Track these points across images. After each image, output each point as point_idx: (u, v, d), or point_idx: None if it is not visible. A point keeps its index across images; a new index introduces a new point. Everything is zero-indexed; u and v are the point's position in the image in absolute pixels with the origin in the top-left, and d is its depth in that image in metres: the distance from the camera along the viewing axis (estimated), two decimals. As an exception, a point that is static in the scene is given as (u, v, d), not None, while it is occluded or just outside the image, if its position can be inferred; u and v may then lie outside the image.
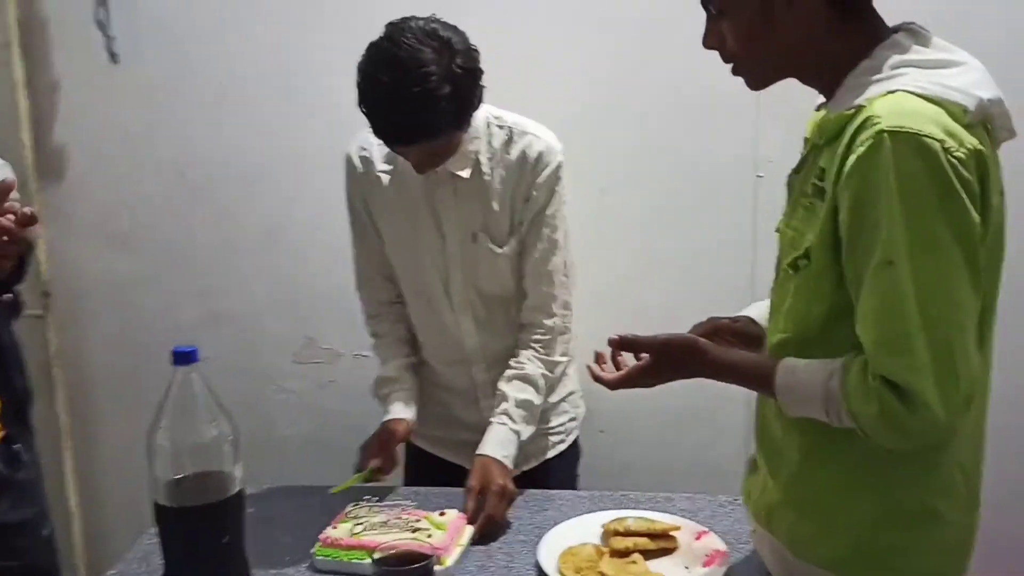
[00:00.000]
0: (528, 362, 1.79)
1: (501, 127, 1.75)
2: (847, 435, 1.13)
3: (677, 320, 2.20)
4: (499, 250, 1.77)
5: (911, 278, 1.04)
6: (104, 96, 2.29)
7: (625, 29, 2.14)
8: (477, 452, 1.70)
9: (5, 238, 1.28)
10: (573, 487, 1.99)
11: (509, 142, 1.75)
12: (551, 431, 1.95)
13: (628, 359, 1.32)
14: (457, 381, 1.89)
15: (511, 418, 1.74)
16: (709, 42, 1.23)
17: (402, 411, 1.80)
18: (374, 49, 1.57)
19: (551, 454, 1.96)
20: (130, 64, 2.26)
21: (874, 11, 1.18)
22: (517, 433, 1.73)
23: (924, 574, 1.18)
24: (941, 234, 1.04)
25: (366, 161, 1.79)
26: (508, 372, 1.79)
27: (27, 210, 1.30)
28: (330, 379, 2.42)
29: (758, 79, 1.23)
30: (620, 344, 1.29)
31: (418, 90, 1.51)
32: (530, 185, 1.75)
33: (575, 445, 2.02)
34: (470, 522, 1.58)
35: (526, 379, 1.77)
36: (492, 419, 1.75)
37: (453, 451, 1.93)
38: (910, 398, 1.05)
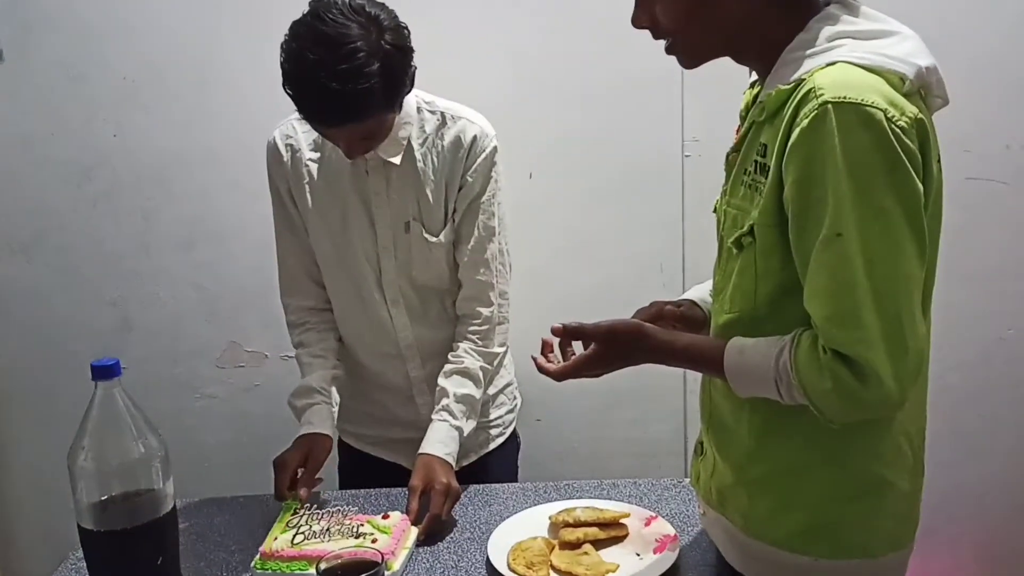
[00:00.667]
0: (466, 355, 1.75)
1: (433, 112, 1.70)
2: (798, 412, 1.12)
3: (610, 302, 2.19)
4: (433, 239, 1.72)
5: (859, 250, 1.03)
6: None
7: (551, 10, 2.12)
8: (419, 451, 1.65)
9: None
10: (514, 479, 1.96)
11: (442, 127, 1.70)
12: (490, 424, 1.92)
13: (575, 347, 1.29)
14: (392, 378, 1.84)
15: (452, 414, 1.69)
16: (640, 21, 1.19)
17: (326, 425, 1.71)
18: (298, 26, 1.50)
19: (491, 447, 1.92)
20: (18, 61, 2.13)
21: None
22: (459, 429, 1.69)
23: (877, 542, 1.18)
24: (888, 205, 1.03)
25: (291, 149, 1.72)
26: (447, 367, 1.74)
27: None
28: (255, 383, 2.34)
29: (693, 57, 1.21)
30: (564, 332, 1.26)
31: (346, 67, 1.44)
32: (464, 171, 1.70)
33: (514, 436, 1.99)
34: (414, 523, 1.54)
35: (465, 373, 1.73)
36: (433, 416, 1.70)
37: (390, 450, 1.88)
38: (862, 371, 1.04)
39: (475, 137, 1.70)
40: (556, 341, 1.30)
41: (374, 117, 1.53)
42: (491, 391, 1.88)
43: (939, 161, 1.12)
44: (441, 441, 1.66)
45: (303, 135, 1.71)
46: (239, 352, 2.33)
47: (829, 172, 1.02)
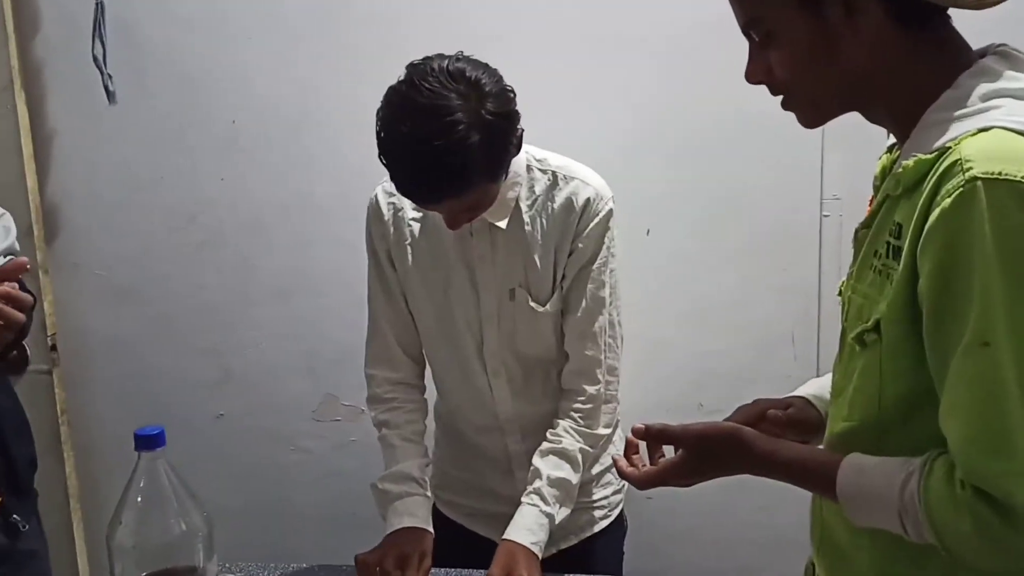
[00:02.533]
0: (566, 435, 1.60)
1: (544, 171, 1.58)
2: (930, 549, 0.93)
3: (735, 376, 2.07)
4: (540, 308, 1.59)
5: (1013, 362, 0.86)
6: (103, 139, 2.18)
7: (671, 52, 1.99)
8: (504, 536, 1.53)
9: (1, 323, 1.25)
10: (619, 568, 1.80)
11: (553, 188, 1.58)
12: (594, 505, 1.76)
13: (667, 449, 1.14)
14: (490, 449, 1.72)
15: (543, 499, 1.55)
16: (754, 75, 1.04)
17: (428, 521, 1.59)
18: (393, 95, 1.40)
19: (595, 529, 1.77)
20: (130, 104, 2.14)
21: (955, 31, 0.98)
22: (550, 516, 1.54)
23: None
24: None
25: (394, 208, 1.63)
26: (544, 446, 1.61)
27: (29, 298, 1.29)
28: (351, 438, 2.26)
29: (814, 116, 1.05)
30: (647, 435, 1.11)
31: (443, 142, 1.33)
32: (576, 236, 1.57)
33: (620, 518, 1.83)
34: None
35: (563, 455, 1.59)
36: (523, 499, 1.57)
37: (485, 524, 1.75)
38: (1010, 512, 0.86)
39: (588, 199, 1.56)
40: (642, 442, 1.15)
41: (475, 190, 1.42)
42: (596, 469, 1.74)
43: None
44: (528, 528, 1.53)
45: (398, 199, 1.62)
46: (336, 406, 2.27)
47: (976, 264, 0.85)
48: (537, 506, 1.54)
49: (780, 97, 1.04)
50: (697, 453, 1.08)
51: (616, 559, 1.82)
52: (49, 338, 2.24)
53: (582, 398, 1.62)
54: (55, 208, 2.23)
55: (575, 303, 1.60)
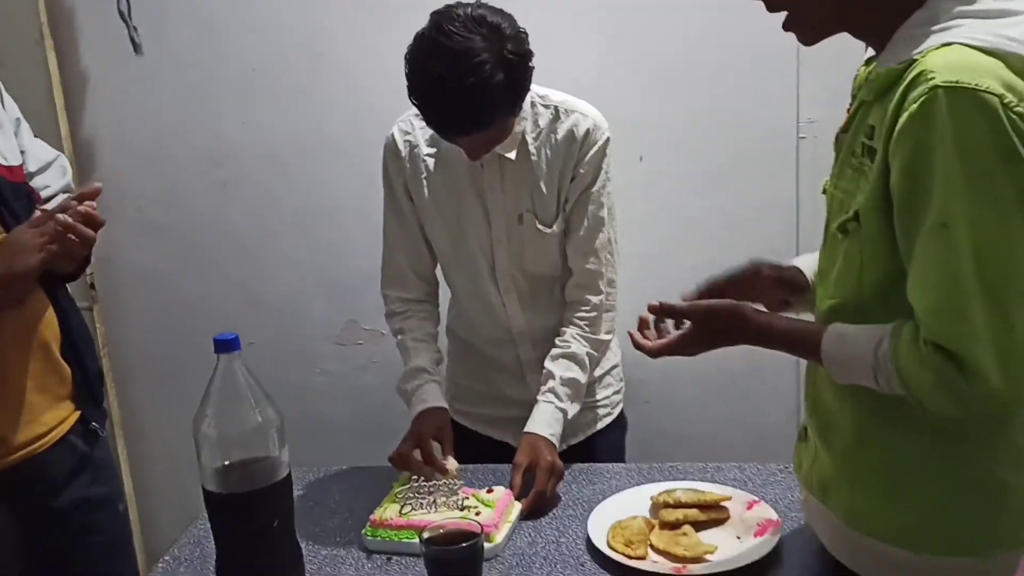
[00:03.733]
0: (573, 340, 1.77)
1: (547, 106, 1.72)
2: (905, 406, 1.08)
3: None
4: (547, 230, 1.75)
5: (968, 241, 0.98)
6: (131, 87, 2.30)
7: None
8: (525, 430, 1.70)
9: (77, 240, 1.39)
10: (621, 460, 1.98)
11: (555, 121, 1.72)
12: (597, 404, 1.93)
13: (671, 326, 1.30)
14: (503, 359, 1.88)
15: (558, 396, 1.72)
16: None
17: (441, 400, 1.78)
18: (422, 40, 1.54)
19: (598, 427, 1.94)
20: (154, 54, 2.26)
21: None
22: (564, 411, 1.72)
23: (990, 543, 1.13)
24: (1003, 194, 0.97)
25: (410, 145, 1.77)
26: (554, 351, 1.77)
27: (101, 218, 1.42)
28: (373, 360, 2.41)
29: (810, 31, 1.16)
30: (661, 311, 1.26)
31: (472, 80, 1.48)
32: (578, 163, 1.72)
33: (621, 417, 2.00)
34: (518, 498, 1.58)
35: (572, 357, 1.76)
36: (539, 397, 1.74)
37: (500, 429, 1.92)
38: (967, 367, 1.00)
39: (588, 130, 1.71)
40: (652, 319, 1.30)
41: (497, 125, 1.58)
42: (597, 372, 1.90)
43: None
44: (546, 422, 1.69)
45: (420, 131, 1.75)
46: (357, 330, 2.41)
47: (937, 160, 0.98)
48: (552, 403, 1.71)
49: (773, 19, 1.15)
50: (704, 325, 1.22)
51: (618, 453, 1.99)
52: (88, 277, 2.37)
53: (586, 307, 1.78)
54: (88, 152, 2.34)
55: (578, 223, 1.75)
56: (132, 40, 2.20)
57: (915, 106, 0.98)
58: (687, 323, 1.26)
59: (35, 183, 1.59)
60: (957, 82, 0.96)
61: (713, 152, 2.17)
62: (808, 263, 1.37)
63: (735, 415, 2.31)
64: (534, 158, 1.72)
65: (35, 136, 1.64)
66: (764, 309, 1.30)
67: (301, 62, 2.24)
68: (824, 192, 1.23)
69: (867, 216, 1.08)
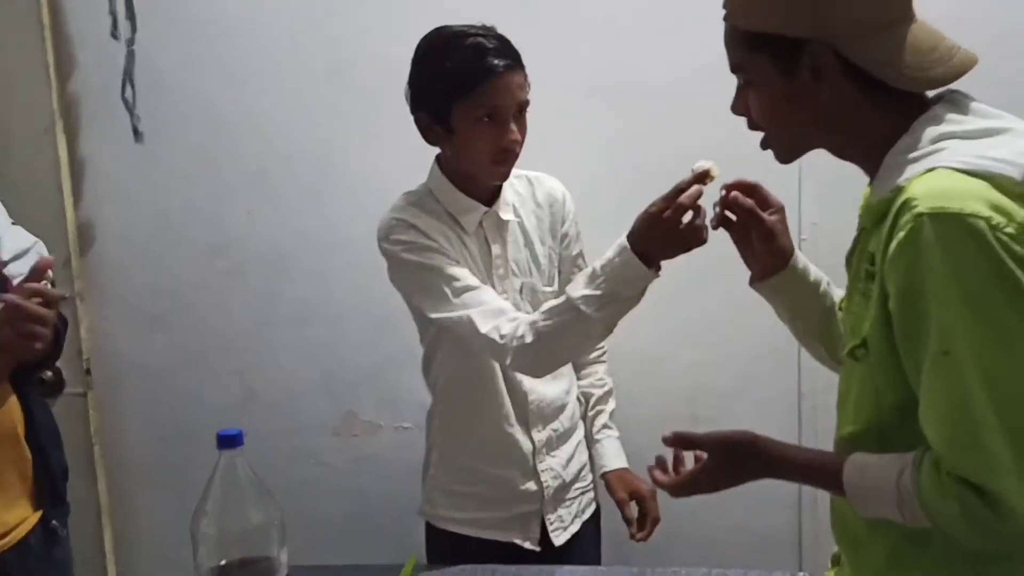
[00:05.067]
0: (607, 376, 1.92)
1: (518, 178, 1.78)
2: (936, 534, 1.05)
3: (724, 390, 2.21)
4: (548, 289, 1.78)
5: (974, 367, 0.96)
6: (135, 177, 2.31)
7: (652, 94, 2.12)
8: (605, 470, 1.84)
9: (30, 319, 1.32)
10: (598, 559, 1.94)
11: (531, 186, 1.81)
12: (588, 487, 1.91)
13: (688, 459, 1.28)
14: (514, 450, 1.79)
15: (612, 428, 1.88)
16: (737, 109, 1.20)
17: None
18: (430, 34, 1.65)
19: (588, 514, 1.90)
20: (159, 143, 2.27)
21: None
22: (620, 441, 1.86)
23: None
24: (1004, 317, 0.97)
25: (419, 226, 1.70)
26: (592, 388, 1.90)
27: (56, 291, 1.36)
28: (370, 452, 2.38)
29: (785, 153, 1.20)
30: (674, 441, 1.25)
31: (489, 27, 1.63)
32: (563, 222, 1.82)
33: (597, 510, 1.96)
34: (640, 528, 1.79)
35: (611, 394, 1.91)
36: (598, 435, 1.87)
37: (504, 529, 1.82)
38: (993, 499, 0.97)
39: (563, 192, 1.83)
40: (669, 457, 1.29)
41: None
42: (587, 454, 1.91)
43: None
44: (618, 454, 1.86)
45: (420, 220, 1.70)
46: (355, 421, 2.38)
47: (930, 287, 0.98)
48: (614, 435, 1.88)
49: (758, 137, 1.20)
50: (719, 458, 1.20)
51: (597, 551, 1.95)
52: (84, 362, 2.36)
53: (600, 349, 1.91)
54: (91, 240, 2.35)
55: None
56: (134, 128, 2.22)
57: (902, 234, 0.99)
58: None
59: (9, 270, 1.55)
60: (942, 208, 0.97)
61: (716, 252, 2.13)
62: (811, 268, 1.40)
63: (733, 516, 2.24)
64: (525, 223, 1.77)
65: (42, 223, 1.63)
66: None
67: (307, 157, 2.27)
68: (839, 309, 1.24)
69: (874, 342, 1.08)
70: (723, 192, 1.36)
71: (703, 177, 1.33)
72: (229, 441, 1.23)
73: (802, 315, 1.38)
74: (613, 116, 2.16)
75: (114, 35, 2.20)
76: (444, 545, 1.85)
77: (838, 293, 1.37)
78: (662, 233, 1.39)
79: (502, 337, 1.55)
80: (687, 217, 1.38)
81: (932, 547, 1.09)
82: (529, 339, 1.53)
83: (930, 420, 1.02)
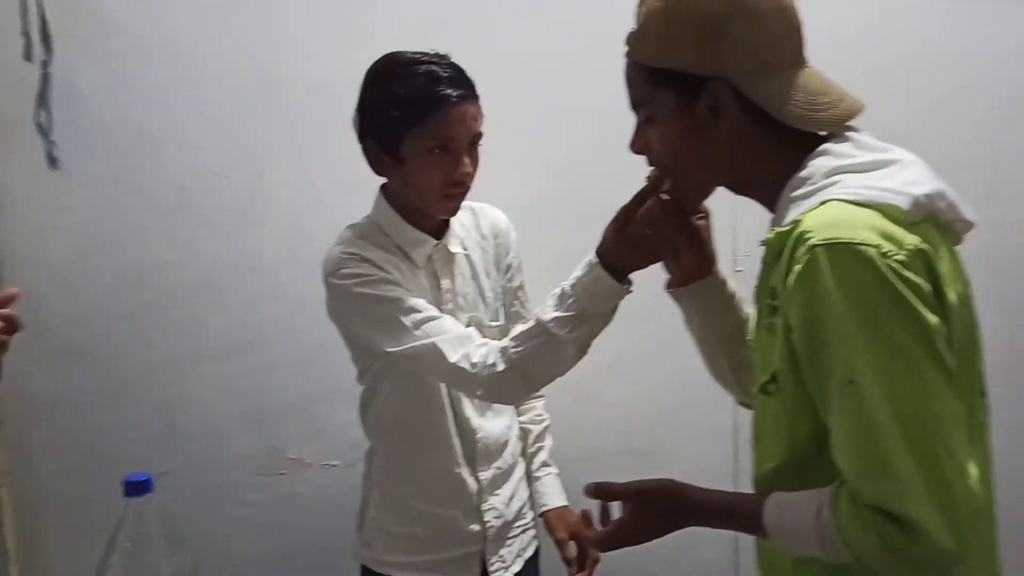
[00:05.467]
0: (545, 411, 1.90)
1: (462, 209, 1.72)
2: (858, 567, 1.04)
3: (659, 423, 2.19)
4: (494, 324, 1.74)
5: (879, 394, 0.97)
6: (52, 203, 2.20)
7: (588, 120, 2.12)
8: (544, 509, 1.83)
9: None
10: None
11: (474, 217, 1.78)
12: (530, 524, 1.87)
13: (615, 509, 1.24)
14: (460, 489, 1.74)
15: (550, 465, 1.87)
16: (635, 147, 1.22)
17: None
18: (380, 61, 1.61)
19: (530, 552, 1.87)
20: (77, 169, 2.18)
21: None
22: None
23: None
24: (901, 342, 0.97)
25: (372, 259, 1.62)
26: (534, 426, 1.88)
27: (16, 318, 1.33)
28: (297, 491, 2.30)
29: (689, 194, 1.24)
30: (595, 493, 1.21)
31: (441, 55, 1.59)
32: (507, 253, 1.80)
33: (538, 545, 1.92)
34: (580, 568, 1.76)
35: (549, 430, 1.90)
36: (537, 472, 1.85)
37: (444, 572, 1.77)
38: (910, 527, 0.96)
39: (507, 222, 1.81)
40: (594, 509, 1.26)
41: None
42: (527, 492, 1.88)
43: (966, 285, 1.08)
44: (558, 493, 1.84)
45: (371, 253, 1.63)
46: (281, 459, 2.30)
47: (828, 315, 0.99)
48: (553, 472, 1.87)
49: None
50: (642, 509, 1.18)
51: None
52: (-9, 399, 2.23)
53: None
54: (2, 270, 2.22)
55: (524, 310, 1.81)
56: (49, 154, 2.12)
57: (799, 267, 1.01)
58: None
59: None
60: (834, 239, 0.99)
61: (650, 283, 2.13)
62: (729, 280, 1.40)
63: (666, 551, 2.20)
64: (472, 254, 1.74)
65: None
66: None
67: (235, 183, 2.20)
68: (749, 344, 1.24)
69: (784, 377, 1.08)
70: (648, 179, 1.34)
71: (658, 183, 1.30)
72: (137, 488, 1.15)
73: (716, 326, 1.38)
74: (550, 143, 2.15)
75: (27, 57, 2.10)
76: None
77: (750, 311, 1.37)
78: (629, 244, 1.35)
79: (473, 366, 1.49)
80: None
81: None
82: (501, 367, 1.47)
83: (841, 450, 1.02)
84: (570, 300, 1.40)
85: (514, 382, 1.48)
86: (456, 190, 1.60)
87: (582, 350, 1.44)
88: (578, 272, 1.40)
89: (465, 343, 1.52)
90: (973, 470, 0.99)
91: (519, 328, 1.49)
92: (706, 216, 1.38)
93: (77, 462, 2.29)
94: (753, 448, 1.20)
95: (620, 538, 1.20)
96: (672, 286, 1.39)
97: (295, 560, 2.27)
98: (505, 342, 1.49)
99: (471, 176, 1.60)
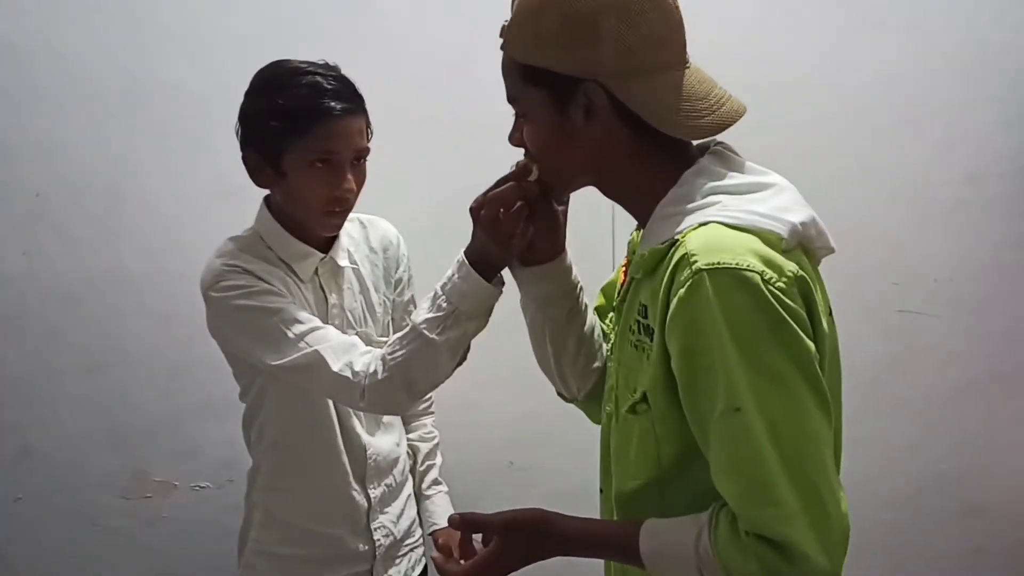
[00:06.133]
0: (435, 429, 1.88)
1: (351, 221, 1.68)
2: None
3: (542, 436, 2.17)
4: (383, 340, 1.64)
5: (760, 420, 0.97)
6: None
7: (478, 129, 2.02)
8: (436, 526, 1.78)
9: None
10: None
11: (363, 229, 1.73)
12: (418, 543, 1.83)
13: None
14: (350, 510, 1.69)
15: (444, 484, 1.85)
16: (513, 139, 1.19)
17: None
18: (266, 69, 1.54)
19: (418, 571, 1.82)
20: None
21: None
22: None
23: None
24: (781, 368, 0.98)
25: (254, 271, 1.55)
26: (424, 444, 1.86)
27: None
28: (163, 515, 2.19)
29: (556, 187, 1.21)
30: (460, 524, 1.17)
31: (326, 64, 1.54)
32: (397, 267, 1.76)
33: (426, 564, 1.87)
34: None
35: (438, 447, 1.89)
36: (429, 491, 1.83)
37: None
38: (788, 551, 0.97)
39: (397, 235, 1.77)
40: (454, 539, 1.24)
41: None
42: (415, 510, 1.85)
43: (830, 314, 1.09)
44: (450, 510, 1.79)
45: (254, 265, 1.56)
46: (147, 481, 2.18)
47: (712, 340, 0.98)
48: (444, 490, 1.85)
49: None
50: (505, 541, 1.13)
51: None
52: None
53: (425, 404, 1.88)
54: None
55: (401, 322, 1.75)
56: None
57: (683, 291, 0.99)
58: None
59: None
60: (719, 263, 0.98)
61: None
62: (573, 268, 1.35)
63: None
64: (360, 268, 1.69)
65: None
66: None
67: (95, 191, 2.07)
68: (607, 360, 1.22)
69: (655, 398, 1.07)
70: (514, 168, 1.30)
71: (524, 172, 1.25)
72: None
73: (551, 311, 1.34)
74: (439, 153, 2.11)
75: None
76: None
77: (588, 302, 1.38)
78: (484, 231, 1.30)
79: (355, 374, 1.44)
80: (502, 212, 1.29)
81: None
82: (381, 374, 1.42)
83: (722, 477, 1.02)
84: (440, 299, 1.36)
85: (395, 389, 1.42)
86: (339, 207, 1.54)
87: (456, 352, 1.39)
88: (448, 272, 1.36)
89: (349, 351, 1.47)
90: (841, 491, 1.01)
91: (397, 334, 1.44)
92: (565, 203, 1.33)
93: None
94: (611, 465, 1.19)
95: (484, 573, 1.14)
96: (517, 267, 1.34)
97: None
98: (385, 348, 1.44)
99: (354, 193, 1.55)
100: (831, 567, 0.97)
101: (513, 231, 1.26)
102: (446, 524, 1.74)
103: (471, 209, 1.29)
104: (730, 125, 1.11)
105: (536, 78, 1.09)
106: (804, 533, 0.96)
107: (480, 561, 1.14)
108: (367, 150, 1.55)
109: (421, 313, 1.38)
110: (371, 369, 1.43)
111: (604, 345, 1.39)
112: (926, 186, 2.24)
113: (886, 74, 2.21)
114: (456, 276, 1.34)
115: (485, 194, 1.27)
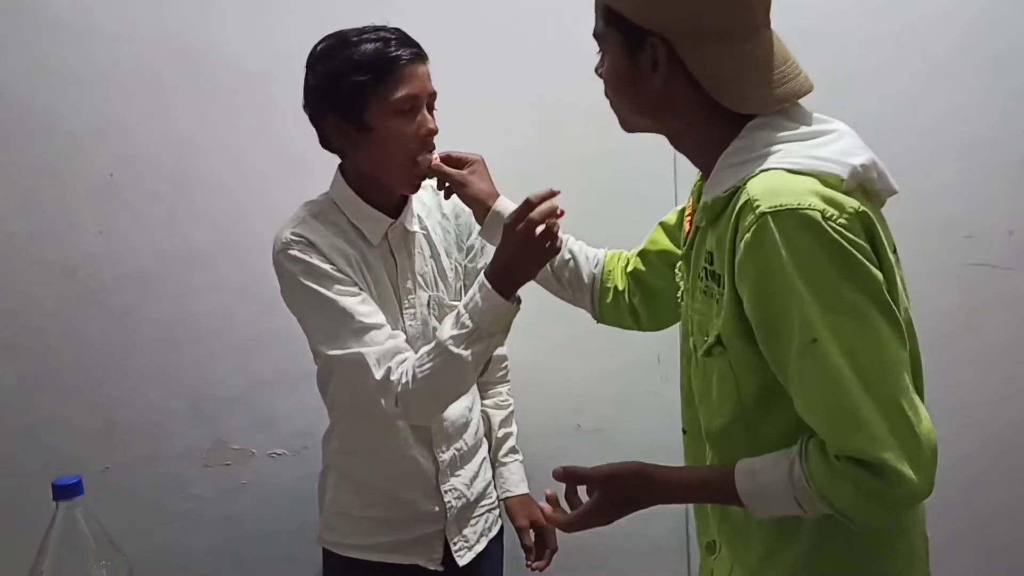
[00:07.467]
0: (510, 397, 1.92)
1: (424, 188, 1.70)
2: (807, 518, 1.10)
3: (607, 399, 2.19)
4: (456, 303, 1.66)
5: (839, 350, 1.01)
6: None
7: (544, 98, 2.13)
8: (506, 494, 1.86)
9: None
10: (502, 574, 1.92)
11: (436, 196, 1.74)
12: (494, 505, 1.88)
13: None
14: (419, 470, 1.73)
15: (517, 451, 1.89)
16: (598, 71, 1.23)
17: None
18: (328, 39, 1.57)
19: (494, 532, 1.87)
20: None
21: None
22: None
23: None
24: (852, 299, 1.02)
25: (318, 244, 1.59)
26: (496, 410, 1.89)
27: None
28: (242, 482, 2.26)
29: (624, 122, 1.24)
30: (564, 477, 1.23)
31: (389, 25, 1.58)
32: (469, 234, 1.77)
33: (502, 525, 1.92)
34: (538, 557, 1.84)
35: (513, 415, 1.92)
36: (503, 458, 1.88)
37: (407, 552, 1.76)
38: (881, 469, 1.01)
39: None
40: (561, 491, 1.27)
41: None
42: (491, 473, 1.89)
43: (895, 251, 1.11)
44: (521, 480, 1.87)
45: (320, 236, 1.60)
46: (225, 450, 2.25)
47: (782, 282, 1.02)
48: (519, 459, 1.89)
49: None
50: (608, 491, 1.19)
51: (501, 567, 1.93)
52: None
53: (502, 363, 1.92)
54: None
55: None
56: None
57: (748, 235, 1.03)
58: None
59: None
60: (781, 205, 1.02)
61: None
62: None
63: (624, 528, 2.22)
64: (431, 233, 1.72)
65: None
66: None
67: (165, 170, 2.12)
68: (679, 304, 1.28)
69: (730, 340, 1.11)
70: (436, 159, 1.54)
71: (554, 192, 1.39)
72: (66, 491, 1.11)
73: None
74: (514, 121, 2.12)
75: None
76: (345, 572, 1.79)
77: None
78: (517, 247, 1.42)
79: (393, 383, 1.53)
80: (539, 229, 1.40)
81: (810, 528, 1.14)
82: (412, 385, 1.52)
83: (810, 409, 1.06)
84: (464, 317, 1.48)
85: (424, 400, 1.54)
86: (428, 148, 1.58)
87: (479, 365, 1.52)
88: (472, 290, 1.49)
89: (391, 358, 1.55)
90: (924, 411, 1.04)
91: (424, 348, 1.54)
92: (474, 163, 1.57)
93: (8, 464, 2.20)
94: (695, 406, 1.24)
95: (588, 522, 1.22)
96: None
97: (242, 553, 2.23)
98: (414, 361, 1.54)
99: (435, 132, 1.59)
100: (925, 482, 1.01)
101: (547, 244, 1.39)
102: (518, 492, 1.83)
103: (505, 225, 1.39)
104: (796, 99, 1.14)
105: (614, 20, 1.14)
106: (895, 453, 1.00)
107: (585, 510, 1.21)
108: (435, 93, 1.60)
109: (446, 330, 1.48)
110: (404, 379, 1.52)
111: (591, 255, 1.57)
112: (1001, 137, 2.18)
113: (961, 25, 2.16)
114: (478, 295, 1.46)
115: (519, 214, 1.39)
